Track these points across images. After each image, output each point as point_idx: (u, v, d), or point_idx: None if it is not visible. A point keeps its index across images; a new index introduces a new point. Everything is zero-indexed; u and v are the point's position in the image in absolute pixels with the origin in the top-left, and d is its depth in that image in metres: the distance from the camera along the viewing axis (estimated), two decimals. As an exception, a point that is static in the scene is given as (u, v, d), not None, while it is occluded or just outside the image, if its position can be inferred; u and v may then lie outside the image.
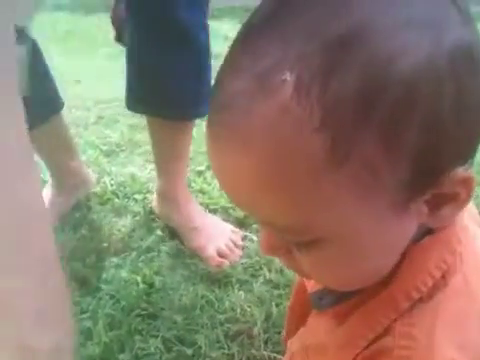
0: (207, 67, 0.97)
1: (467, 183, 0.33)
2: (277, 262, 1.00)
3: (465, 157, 0.33)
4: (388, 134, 0.29)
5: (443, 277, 0.36)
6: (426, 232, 0.36)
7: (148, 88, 0.99)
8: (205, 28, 0.95)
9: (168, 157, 1.08)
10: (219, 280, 0.99)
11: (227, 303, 0.93)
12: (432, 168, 0.31)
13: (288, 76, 0.28)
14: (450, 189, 0.33)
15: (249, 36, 0.32)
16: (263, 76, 0.29)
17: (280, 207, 0.31)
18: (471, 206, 0.43)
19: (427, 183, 0.32)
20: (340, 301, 0.41)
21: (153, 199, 1.16)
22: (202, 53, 0.96)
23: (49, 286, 0.47)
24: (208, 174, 1.26)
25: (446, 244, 0.37)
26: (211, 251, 1.04)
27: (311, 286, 0.47)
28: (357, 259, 0.35)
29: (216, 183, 1.22)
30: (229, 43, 0.33)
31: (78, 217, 1.15)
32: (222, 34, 1.50)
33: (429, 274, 0.36)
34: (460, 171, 0.32)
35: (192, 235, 1.07)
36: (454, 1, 0.31)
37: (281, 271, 0.99)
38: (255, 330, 0.88)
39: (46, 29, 2.22)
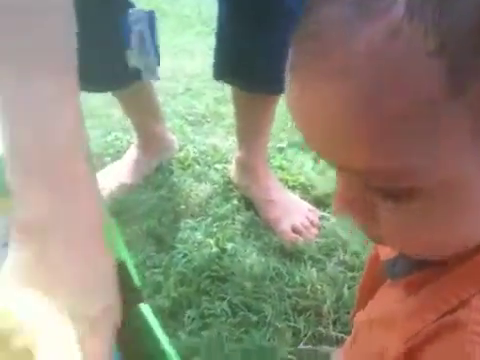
0: None
1: None
2: (353, 244, 0.96)
3: None
4: None
5: None
6: None
7: (238, 62, 0.99)
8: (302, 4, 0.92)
9: (251, 130, 1.08)
10: (291, 254, 0.97)
11: (297, 278, 0.91)
12: None
13: None
14: None
15: None
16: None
17: (379, 144, 0.28)
18: None
19: None
20: (414, 270, 0.37)
21: (231, 169, 1.16)
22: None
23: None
24: (289, 151, 1.24)
25: None
26: (285, 226, 1.03)
27: (385, 253, 0.44)
28: (454, 217, 0.31)
29: (297, 160, 1.20)
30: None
31: (160, 179, 1.18)
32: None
33: None
34: None
35: (268, 207, 1.05)
36: None
37: (357, 254, 0.94)
38: (324, 308, 0.85)
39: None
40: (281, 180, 1.14)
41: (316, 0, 0.30)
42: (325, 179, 1.14)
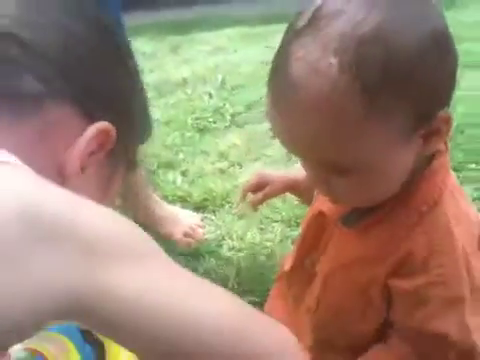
0: None
1: (448, 121, 0.50)
2: (236, 231, 1.21)
3: (446, 103, 0.51)
4: (400, 95, 0.47)
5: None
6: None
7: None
8: None
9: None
10: (191, 254, 1.18)
11: (201, 269, 1.12)
12: (428, 114, 0.49)
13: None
14: (437, 126, 0.50)
15: (295, 39, 0.48)
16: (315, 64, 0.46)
17: (336, 150, 0.49)
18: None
19: (424, 123, 0.49)
20: (365, 217, 0.56)
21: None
22: None
23: None
24: (160, 171, 1.44)
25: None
26: (178, 235, 1.22)
27: (336, 211, 0.60)
28: (379, 181, 0.52)
29: (168, 178, 1.41)
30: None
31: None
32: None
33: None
34: (442, 112, 0.50)
35: (159, 224, 1.23)
36: None
37: (241, 237, 1.20)
38: (229, 284, 1.08)
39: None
40: (162, 198, 1.33)
41: (282, 62, 0.49)
42: (196, 188, 1.37)
